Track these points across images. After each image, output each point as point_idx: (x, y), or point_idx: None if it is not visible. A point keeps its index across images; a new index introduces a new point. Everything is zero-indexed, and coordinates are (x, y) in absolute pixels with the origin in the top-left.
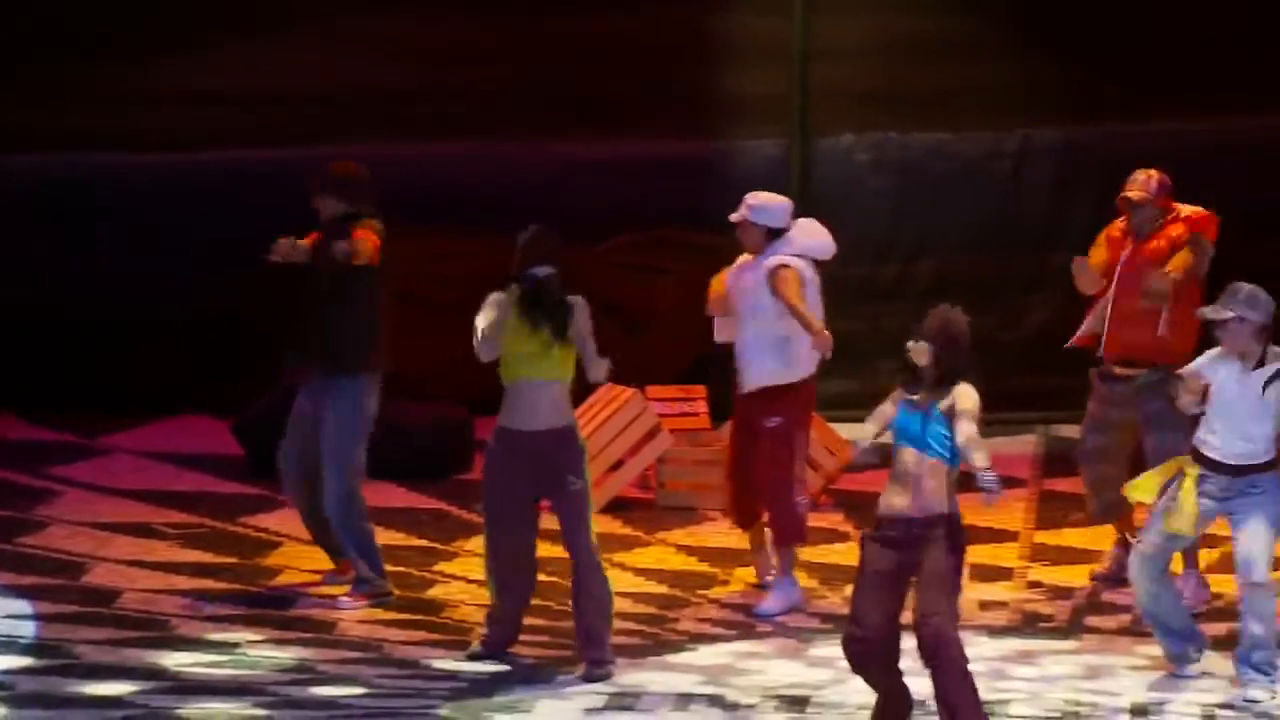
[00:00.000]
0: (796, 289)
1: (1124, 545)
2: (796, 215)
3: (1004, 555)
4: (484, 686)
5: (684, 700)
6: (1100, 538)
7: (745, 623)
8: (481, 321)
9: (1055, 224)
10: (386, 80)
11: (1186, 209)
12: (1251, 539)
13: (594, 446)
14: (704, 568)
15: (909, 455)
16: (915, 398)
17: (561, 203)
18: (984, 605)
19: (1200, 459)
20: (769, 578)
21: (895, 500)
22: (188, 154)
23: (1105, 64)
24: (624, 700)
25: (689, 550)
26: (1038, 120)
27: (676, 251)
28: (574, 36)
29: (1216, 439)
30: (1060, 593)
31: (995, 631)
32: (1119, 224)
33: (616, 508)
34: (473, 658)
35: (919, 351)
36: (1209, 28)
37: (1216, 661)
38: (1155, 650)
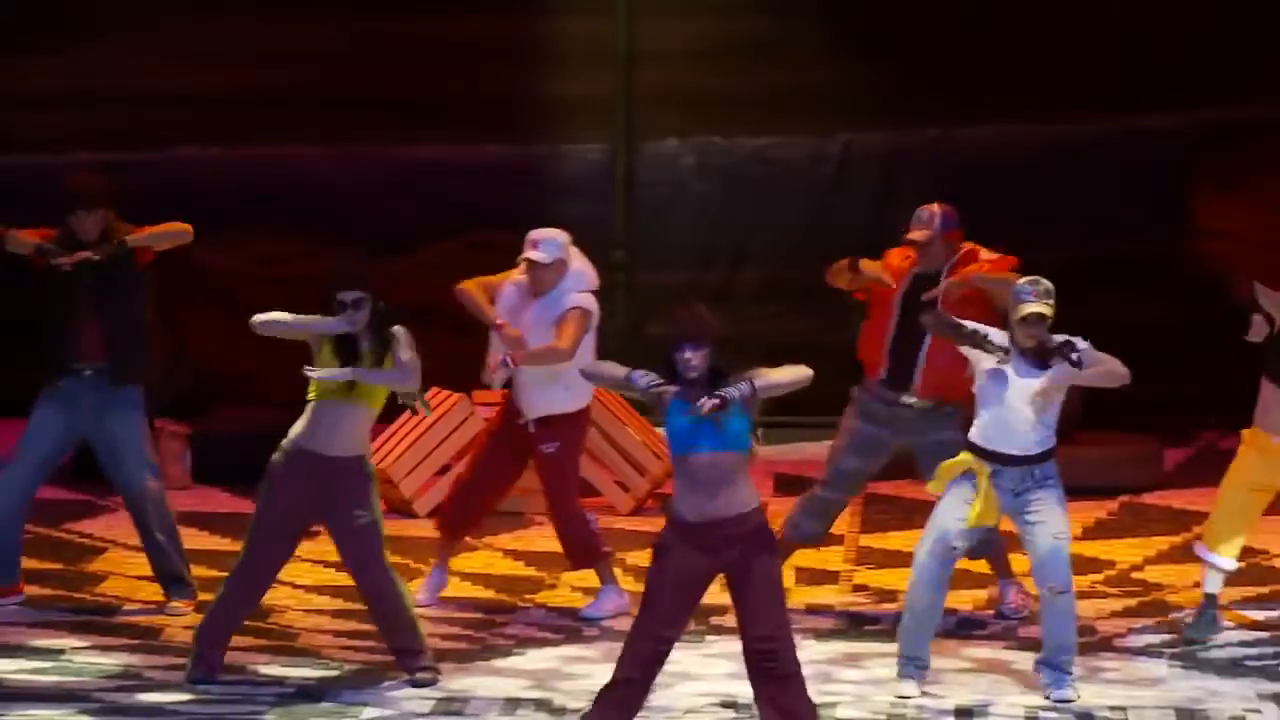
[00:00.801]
0: (577, 333)
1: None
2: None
3: (830, 559)
4: (312, 692)
5: (511, 705)
6: (912, 543)
7: (572, 627)
8: (288, 317)
9: (878, 229)
10: (195, 84)
11: (986, 255)
12: (1046, 541)
13: (420, 451)
14: (531, 572)
15: (707, 458)
16: (696, 401)
17: (383, 207)
18: (810, 609)
19: (984, 454)
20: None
21: (703, 505)
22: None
23: (928, 69)
24: (451, 705)
25: (515, 555)
26: (861, 125)
27: (498, 257)
28: (394, 38)
29: (992, 431)
30: (886, 596)
31: (822, 635)
32: (907, 254)
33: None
34: (194, 682)
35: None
36: (1032, 31)
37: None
38: (981, 652)
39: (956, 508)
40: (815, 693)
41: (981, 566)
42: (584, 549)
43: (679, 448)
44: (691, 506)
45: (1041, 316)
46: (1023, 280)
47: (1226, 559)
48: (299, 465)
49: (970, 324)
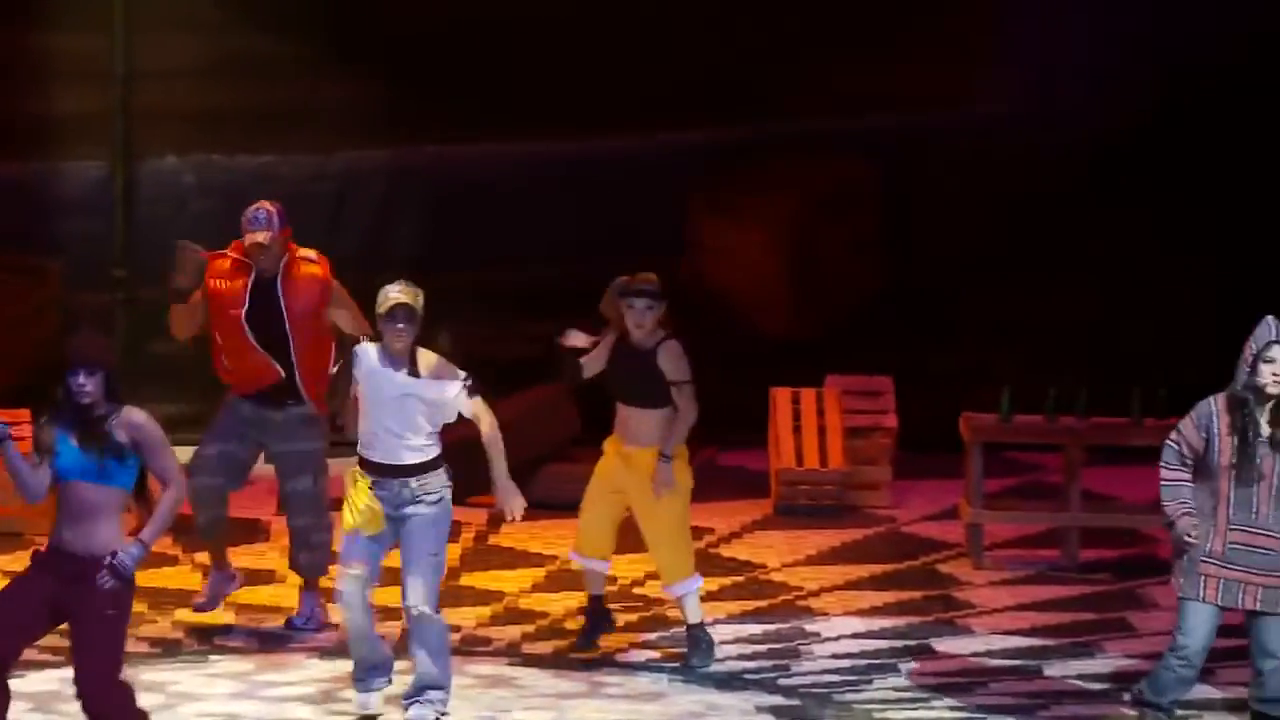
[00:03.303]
0: None
1: (224, 571)
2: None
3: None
4: None
5: None
6: None
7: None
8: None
9: (379, 245)
10: None
11: (304, 252)
12: (413, 558)
13: None
14: None
15: (81, 490)
16: (80, 429)
17: None
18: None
19: (363, 463)
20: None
21: (64, 534)
22: None
23: (428, 86)
24: None
25: None
26: (362, 142)
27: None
28: None
29: (368, 439)
30: (391, 614)
31: (326, 653)
32: (229, 255)
33: None
34: None
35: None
36: (532, 48)
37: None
38: (484, 669)
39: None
40: (319, 712)
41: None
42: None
43: (60, 474)
44: (57, 533)
45: (406, 307)
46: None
47: (600, 561)
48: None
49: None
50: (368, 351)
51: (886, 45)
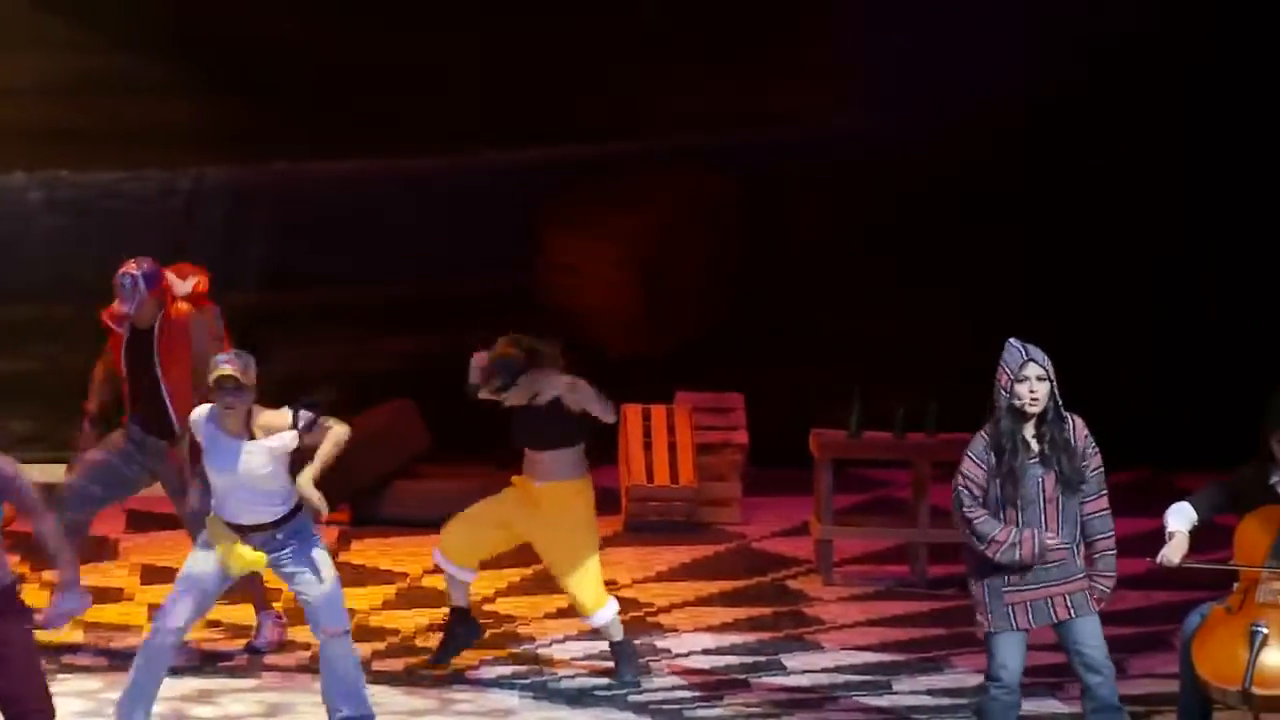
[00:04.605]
0: None
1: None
2: None
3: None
4: None
5: None
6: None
7: None
8: None
9: (228, 262)
10: None
11: (181, 286)
12: (311, 589)
13: None
14: None
15: None
16: None
17: None
18: None
19: (227, 524)
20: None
21: None
22: None
23: (278, 105)
24: None
25: None
26: (212, 160)
27: None
28: None
29: (220, 503)
30: (240, 631)
31: (176, 671)
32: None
33: None
34: None
35: None
36: (380, 67)
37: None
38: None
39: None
40: None
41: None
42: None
43: None
44: None
45: (233, 380)
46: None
47: (466, 570)
48: None
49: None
50: (202, 418)
51: (740, 62)
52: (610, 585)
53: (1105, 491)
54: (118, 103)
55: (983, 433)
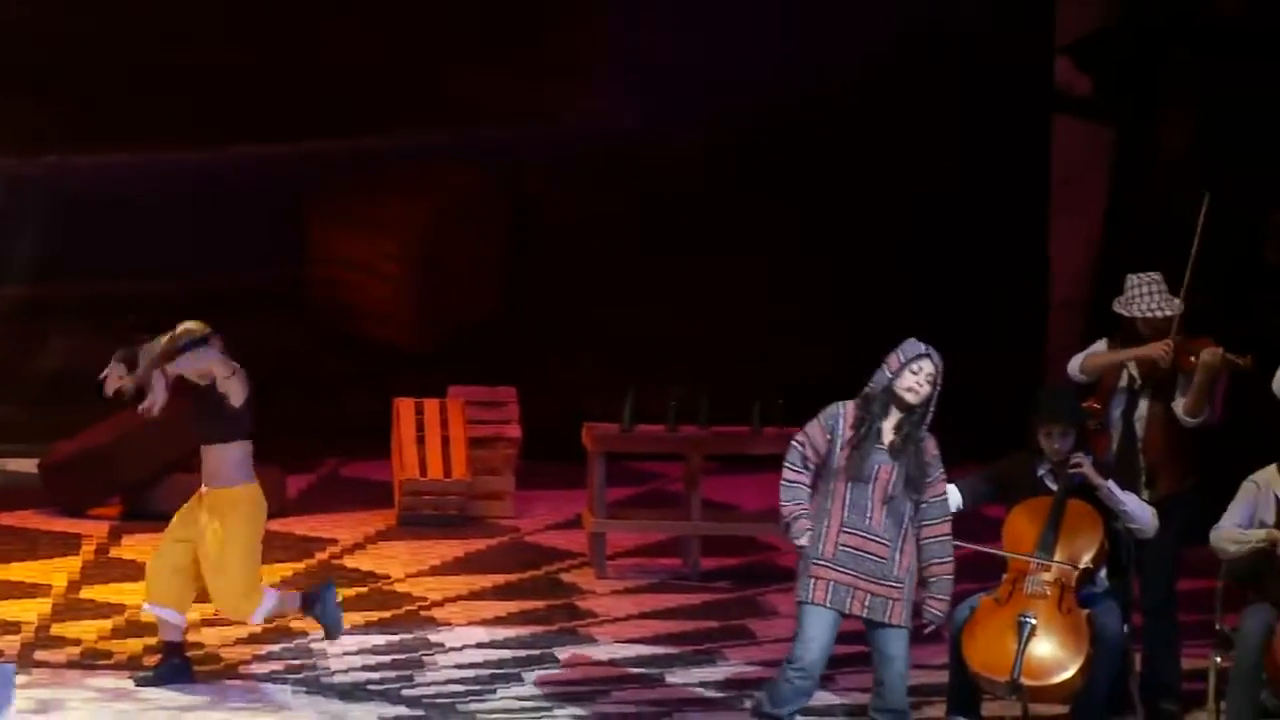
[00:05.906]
0: None
1: None
2: None
3: None
4: None
5: None
6: (48, 572)
7: None
8: None
9: None
10: None
11: None
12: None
13: None
14: None
15: None
16: None
17: None
18: None
19: None
20: None
21: None
22: None
23: (47, 97)
24: None
25: None
26: None
27: None
28: None
29: None
30: (9, 627)
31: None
32: None
33: None
34: None
35: None
36: (147, 60)
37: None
38: (105, 682)
39: None
40: None
41: None
42: None
43: None
44: None
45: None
46: None
47: (172, 611)
48: None
49: None
50: None
51: (507, 58)
52: (383, 579)
53: (950, 518)
54: None
55: (841, 404)
